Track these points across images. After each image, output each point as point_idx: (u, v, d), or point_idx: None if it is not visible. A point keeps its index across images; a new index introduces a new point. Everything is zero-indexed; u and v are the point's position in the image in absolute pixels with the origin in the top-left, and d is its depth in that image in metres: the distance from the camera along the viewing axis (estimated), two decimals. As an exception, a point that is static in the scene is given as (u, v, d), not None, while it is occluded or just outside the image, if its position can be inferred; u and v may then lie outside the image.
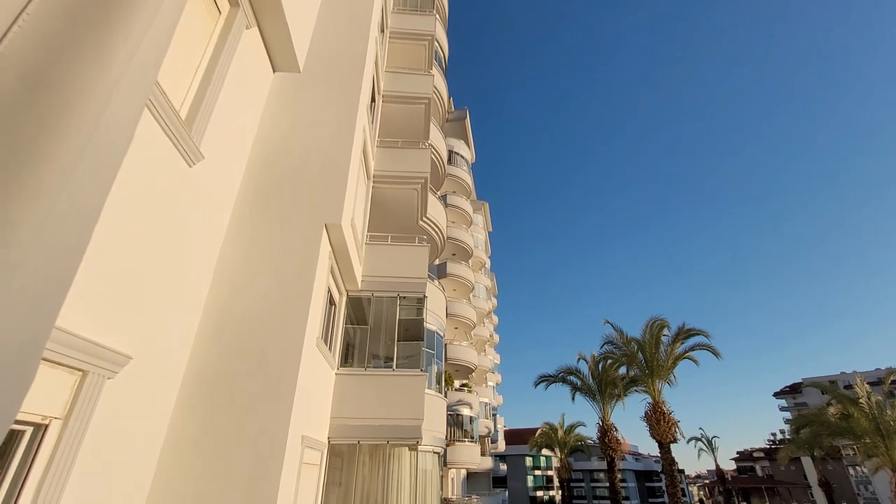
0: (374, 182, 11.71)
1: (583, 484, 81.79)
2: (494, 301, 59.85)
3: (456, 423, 25.51)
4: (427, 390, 10.63)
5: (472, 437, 26.21)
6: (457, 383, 30.46)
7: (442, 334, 14.48)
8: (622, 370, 23.04)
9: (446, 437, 24.40)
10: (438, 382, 14.15)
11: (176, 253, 4.68)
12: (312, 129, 7.68)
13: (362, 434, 8.50)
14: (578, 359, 25.72)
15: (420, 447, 9.92)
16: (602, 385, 24.40)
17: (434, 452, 11.65)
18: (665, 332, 20.41)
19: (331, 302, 8.46)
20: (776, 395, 77.29)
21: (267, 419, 5.24)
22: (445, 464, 23.60)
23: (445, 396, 20.09)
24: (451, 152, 27.12)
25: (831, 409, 26.99)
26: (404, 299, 10.39)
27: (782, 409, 73.88)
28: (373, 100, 11.41)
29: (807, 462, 59.54)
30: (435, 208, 14.67)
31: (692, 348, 20.21)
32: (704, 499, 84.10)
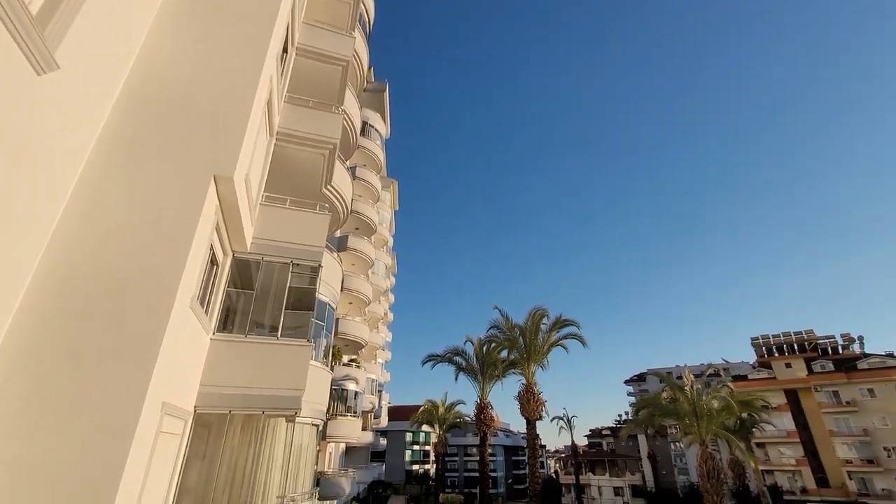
0: (277, 140, 10.86)
1: (457, 458, 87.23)
2: (393, 280, 60.02)
3: (340, 397, 25.28)
4: (312, 362, 10.33)
5: (355, 412, 26.24)
6: (345, 358, 30.11)
7: (334, 307, 14.15)
8: (504, 353, 24.82)
9: (328, 410, 24.10)
10: (326, 356, 13.84)
11: (4, 182, 3.85)
12: (212, 61, 6.82)
13: (235, 403, 8.00)
14: (466, 341, 27.11)
15: (298, 419, 9.65)
16: (484, 366, 26.04)
17: (313, 425, 11.45)
18: (545, 320, 22.42)
19: (213, 261, 7.73)
20: (626, 382, 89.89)
21: (118, 381, 4.65)
22: (325, 437, 23.33)
23: (332, 370, 19.78)
24: (365, 124, 26.23)
25: (664, 395, 32.15)
26: (298, 267, 9.90)
27: (629, 394, 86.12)
28: (285, 50, 10.50)
29: (641, 438, 70.74)
30: (341, 178, 14.12)
31: (565, 337, 22.53)
32: (559, 470, 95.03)
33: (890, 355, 49.64)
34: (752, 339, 62.15)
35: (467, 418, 48.31)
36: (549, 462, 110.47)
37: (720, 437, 29.92)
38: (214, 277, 7.96)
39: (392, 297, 61.62)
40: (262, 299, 9.60)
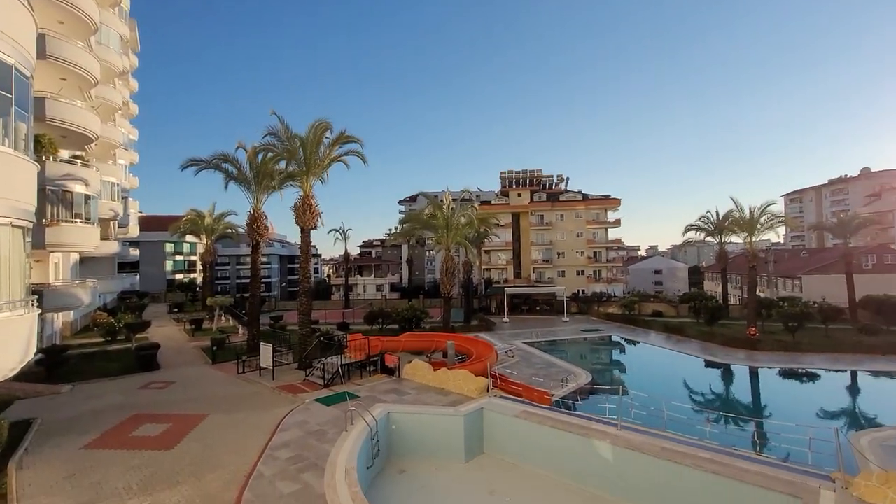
0: None
1: (228, 267, 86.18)
2: (135, 60, 46.01)
3: (62, 200, 20.30)
4: (-2, 146, 7.64)
5: (89, 219, 21.84)
6: (64, 153, 23.41)
7: (28, 75, 10.19)
8: (282, 165, 23.54)
9: (46, 215, 19.31)
10: (26, 142, 10.44)
11: None
12: None
13: None
14: (237, 147, 24.24)
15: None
16: (259, 176, 24.42)
17: (13, 227, 9.09)
18: (327, 134, 21.66)
19: None
20: (400, 202, 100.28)
21: None
22: (44, 246, 19.11)
23: (41, 163, 15.22)
24: None
25: (426, 212, 37.66)
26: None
27: (401, 212, 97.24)
28: None
29: (405, 248, 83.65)
30: None
31: (347, 153, 22.60)
32: (332, 274, 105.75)
33: (579, 192, 69.08)
34: (501, 172, 76.00)
35: (240, 229, 46.64)
36: (323, 268, 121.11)
37: (461, 245, 37.86)
38: None
39: (135, 84, 48.11)
40: None
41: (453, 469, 12.97)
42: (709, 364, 28.27)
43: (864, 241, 61.03)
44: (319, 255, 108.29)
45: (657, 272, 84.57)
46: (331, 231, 65.24)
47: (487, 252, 64.54)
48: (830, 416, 19.52)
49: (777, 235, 39.22)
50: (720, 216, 42.31)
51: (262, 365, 20.16)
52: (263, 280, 65.12)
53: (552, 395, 18.53)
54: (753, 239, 34.23)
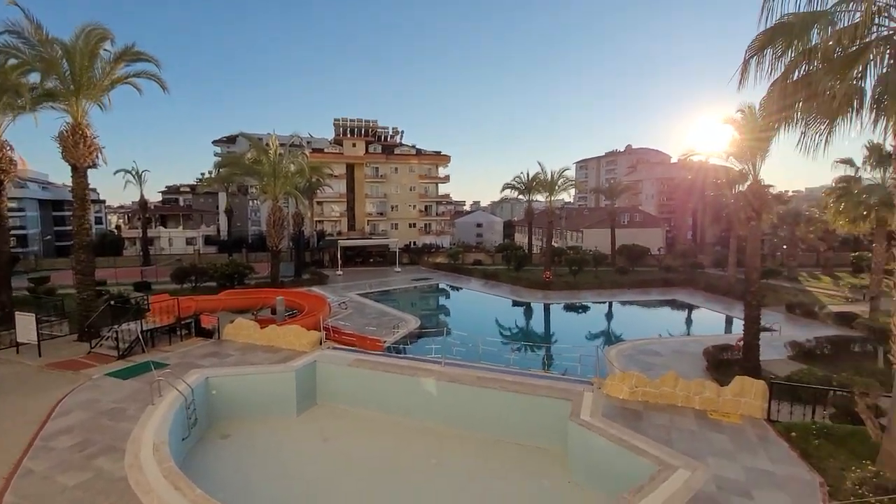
0: None
1: (-50, 214, 62.40)
2: None
3: None
4: None
5: None
6: None
7: None
8: (34, 78, 17.62)
9: None
10: None
11: None
12: None
13: None
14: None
15: None
16: (-5, 90, 17.84)
17: None
18: (107, 46, 16.93)
19: None
20: (215, 142, 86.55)
21: None
22: None
23: None
24: None
25: (249, 156, 33.53)
26: None
27: (216, 154, 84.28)
28: None
29: (222, 196, 73.51)
30: None
31: (138, 74, 18.15)
32: (123, 225, 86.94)
33: (413, 146, 70.62)
34: (334, 119, 72.01)
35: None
36: (110, 218, 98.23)
37: (291, 195, 35.25)
38: None
39: None
40: None
41: (284, 424, 12.73)
42: (515, 303, 33.43)
43: (624, 203, 78.70)
44: (103, 202, 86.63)
45: (479, 225, 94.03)
46: (119, 171, 52.68)
47: (320, 203, 61.69)
48: (595, 336, 25.46)
49: (569, 196, 47.57)
50: (530, 177, 48.87)
51: (19, 340, 15.70)
52: (14, 232, 49.73)
53: (384, 342, 19.48)
54: (553, 198, 40.75)
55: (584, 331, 26.63)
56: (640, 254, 47.17)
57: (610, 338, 24.80)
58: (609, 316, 31.51)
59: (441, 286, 40.86)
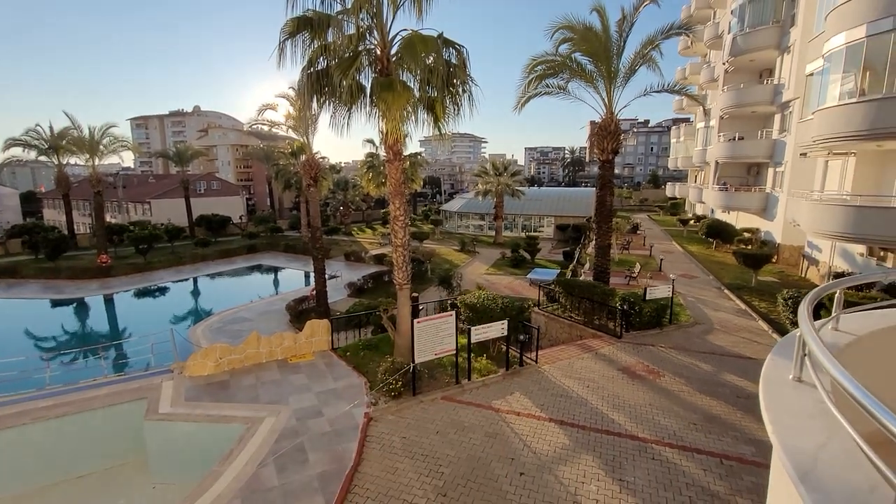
0: None
1: None
2: None
3: None
4: None
5: None
6: None
7: None
8: None
9: None
10: None
11: None
12: None
13: None
14: None
15: None
16: None
17: None
18: None
19: None
20: None
21: None
22: None
23: None
24: None
25: None
26: None
27: None
28: None
29: None
30: None
31: None
32: None
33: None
34: None
35: None
36: None
37: None
38: None
39: None
40: None
41: None
42: (56, 303, 25.15)
43: (197, 169, 72.81)
44: None
45: (-30, 200, 62.06)
46: None
47: None
48: (180, 319, 23.01)
49: (122, 160, 38.97)
50: (55, 133, 36.19)
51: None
52: None
53: None
54: (97, 162, 32.22)
55: (168, 314, 23.58)
56: (222, 223, 45.71)
57: (199, 315, 23.14)
58: (196, 293, 29.23)
59: None
